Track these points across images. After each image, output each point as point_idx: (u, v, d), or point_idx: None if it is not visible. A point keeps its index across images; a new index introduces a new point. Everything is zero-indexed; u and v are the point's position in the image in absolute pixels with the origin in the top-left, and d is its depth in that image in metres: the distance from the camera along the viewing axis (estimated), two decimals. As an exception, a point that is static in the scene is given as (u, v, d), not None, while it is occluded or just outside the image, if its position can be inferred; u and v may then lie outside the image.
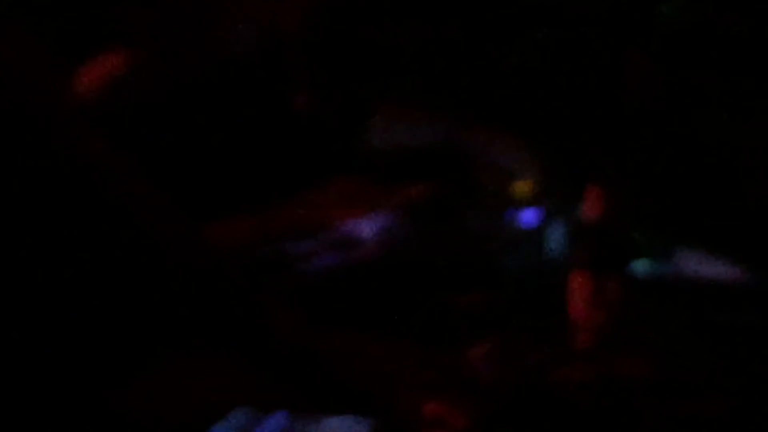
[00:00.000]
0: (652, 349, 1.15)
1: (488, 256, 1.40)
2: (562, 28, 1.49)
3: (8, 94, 0.96)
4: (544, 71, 1.50)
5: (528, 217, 1.43)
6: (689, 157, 1.44)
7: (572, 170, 1.43)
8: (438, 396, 1.06)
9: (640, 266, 1.37)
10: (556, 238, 1.40)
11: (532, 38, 1.49)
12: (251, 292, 1.07)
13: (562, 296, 1.22)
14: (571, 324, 1.19)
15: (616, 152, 1.34)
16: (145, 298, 1.08)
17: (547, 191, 1.48)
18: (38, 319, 1.06)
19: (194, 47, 1.34)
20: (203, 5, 1.33)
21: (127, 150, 1.03)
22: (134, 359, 1.13)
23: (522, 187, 1.47)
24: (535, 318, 1.25)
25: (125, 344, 1.13)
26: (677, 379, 1.12)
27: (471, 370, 1.12)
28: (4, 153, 0.95)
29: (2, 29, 1.01)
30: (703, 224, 1.45)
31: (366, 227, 1.43)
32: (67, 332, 1.09)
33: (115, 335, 1.11)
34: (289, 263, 1.39)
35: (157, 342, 1.12)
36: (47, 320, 1.07)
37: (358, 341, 1.12)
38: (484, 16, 1.52)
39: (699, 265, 1.39)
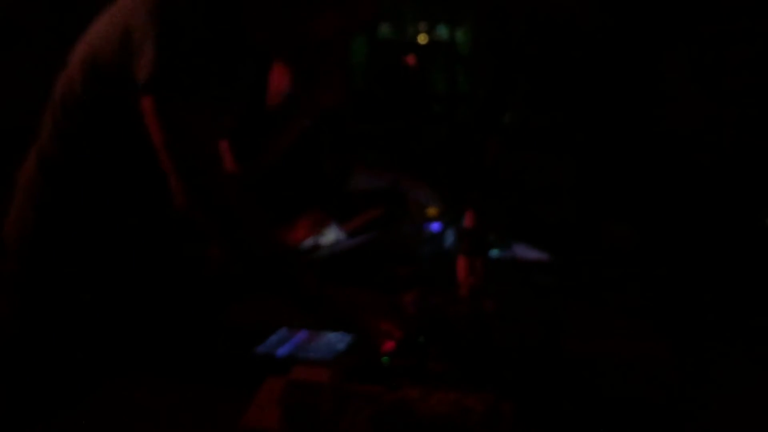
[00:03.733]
0: (499, 297, 1.35)
1: (414, 247, 1.82)
2: (453, 127, 1.96)
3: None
4: (442, 149, 1.97)
5: (435, 227, 1.86)
6: (519, 196, 1.88)
7: (458, 202, 1.74)
8: (387, 320, 1.26)
9: (493, 253, 1.75)
10: (450, 238, 1.82)
11: (437, 131, 1.97)
12: (291, 266, 1.30)
13: (452, 269, 1.45)
14: (456, 284, 1.42)
15: (481, 192, 1.55)
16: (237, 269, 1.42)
17: (444, 213, 1.89)
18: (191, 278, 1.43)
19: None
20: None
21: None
22: (231, 298, 1.53)
23: (431, 211, 1.91)
24: (438, 280, 1.52)
25: (227, 291, 1.52)
26: (513, 314, 1.33)
27: (404, 307, 1.34)
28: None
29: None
30: (527, 230, 1.83)
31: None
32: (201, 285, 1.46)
33: (224, 288, 1.50)
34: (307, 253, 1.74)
35: (239, 291, 1.50)
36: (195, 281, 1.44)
37: (347, 290, 1.32)
38: (409, 120, 2.01)
39: (524, 251, 1.80)
